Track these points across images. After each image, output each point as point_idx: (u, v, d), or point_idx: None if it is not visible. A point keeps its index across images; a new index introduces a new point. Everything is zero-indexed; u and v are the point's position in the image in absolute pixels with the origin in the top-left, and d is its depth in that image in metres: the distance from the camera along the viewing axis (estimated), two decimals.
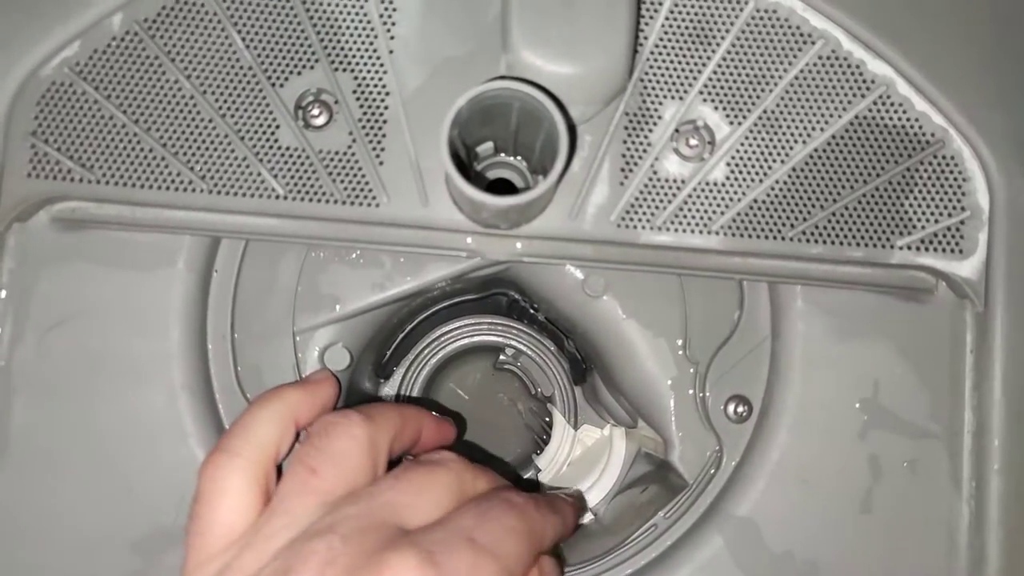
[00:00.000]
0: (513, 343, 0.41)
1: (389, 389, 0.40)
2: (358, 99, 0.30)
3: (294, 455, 0.25)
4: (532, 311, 0.41)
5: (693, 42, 0.31)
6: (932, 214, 0.30)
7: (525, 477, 0.41)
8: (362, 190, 0.30)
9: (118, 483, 0.30)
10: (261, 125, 0.30)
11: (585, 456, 0.41)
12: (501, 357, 0.42)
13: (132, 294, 0.31)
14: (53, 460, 0.30)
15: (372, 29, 0.31)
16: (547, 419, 0.42)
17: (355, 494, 0.23)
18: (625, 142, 0.30)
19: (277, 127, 0.30)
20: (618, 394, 0.36)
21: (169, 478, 0.30)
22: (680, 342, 0.33)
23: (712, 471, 0.32)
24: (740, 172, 0.30)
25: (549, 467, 0.41)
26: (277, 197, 0.30)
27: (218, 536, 0.23)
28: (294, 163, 0.30)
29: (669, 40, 0.31)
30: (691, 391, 0.32)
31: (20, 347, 0.30)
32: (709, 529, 0.31)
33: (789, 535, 0.30)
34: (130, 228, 0.30)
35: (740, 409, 0.32)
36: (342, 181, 0.30)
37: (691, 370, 0.33)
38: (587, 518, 0.38)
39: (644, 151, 0.30)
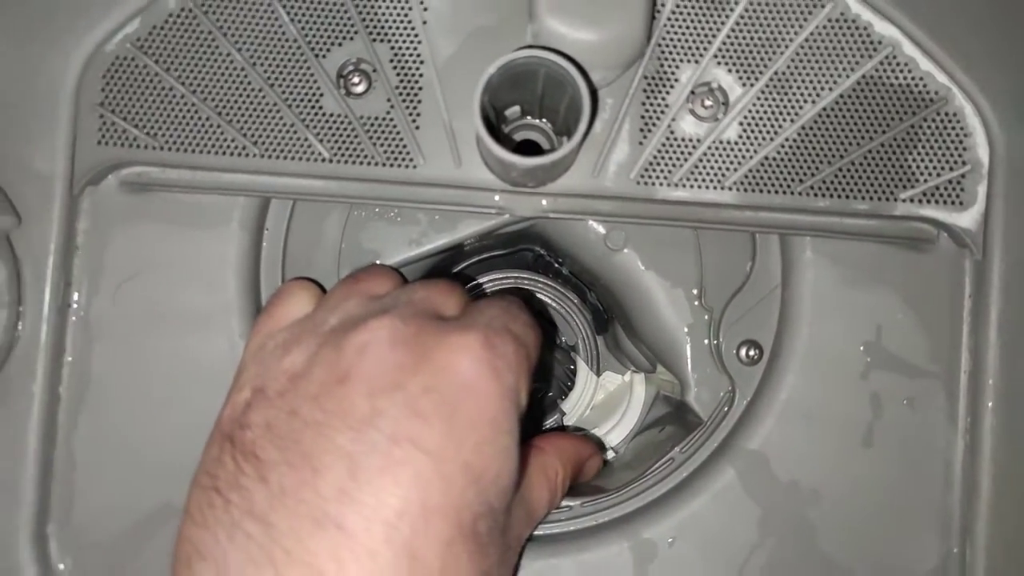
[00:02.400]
0: (539, 295, 0.45)
1: None
2: (395, 68, 0.33)
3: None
4: (557, 265, 0.44)
5: (708, 7, 0.33)
6: (934, 168, 0.32)
7: (550, 421, 0.44)
8: (400, 153, 0.33)
9: (187, 419, 0.34)
10: (306, 93, 0.33)
11: (607, 400, 0.44)
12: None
13: (193, 250, 0.34)
14: (129, 400, 0.34)
15: (406, 1, 0.33)
16: (571, 367, 0.45)
17: (393, 292, 0.28)
18: (644, 104, 0.33)
19: (321, 95, 0.33)
20: (638, 341, 0.39)
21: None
22: (696, 291, 0.36)
23: (725, 409, 0.35)
24: (752, 131, 0.33)
25: (573, 411, 0.44)
26: (322, 160, 0.33)
27: (279, 319, 0.28)
28: (337, 128, 0.33)
29: (685, 6, 0.33)
30: (706, 337, 0.36)
31: (96, 300, 0.34)
32: (722, 462, 0.34)
33: (795, 466, 0.33)
34: (190, 190, 0.34)
35: (752, 352, 0.35)
36: (381, 144, 0.33)
37: (706, 317, 0.36)
38: (609, 455, 0.41)
39: (662, 112, 0.33)
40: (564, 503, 0.35)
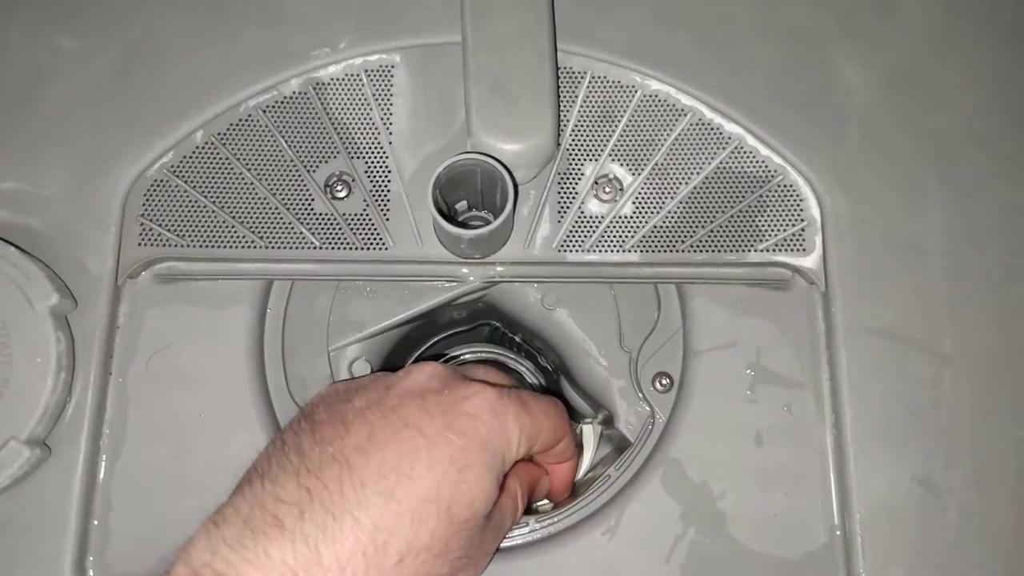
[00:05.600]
0: (502, 362, 0.58)
1: None
2: (369, 178, 0.49)
3: None
4: (511, 336, 0.57)
5: (601, 120, 0.49)
6: (780, 225, 0.48)
7: None
8: (374, 239, 0.48)
9: (206, 466, 0.46)
10: (300, 198, 0.48)
11: None
12: None
13: (210, 327, 0.48)
14: (158, 451, 0.46)
15: (376, 129, 0.49)
16: None
17: None
18: (559, 192, 0.49)
19: (312, 200, 0.48)
20: (579, 389, 0.52)
21: (240, 463, 0.46)
22: (617, 338, 0.50)
23: (649, 428, 0.47)
24: (642, 207, 0.48)
25: None
26: (313, 248, 0.48)
27: None
28: (325, 224, 0.48)
29: (585, 120, 0.49)
30: (628, 372, 0.49)
31: (132, 367, 0.47)
32: (648, 472, 0.46)
33: (705, 468, 0.46)
34: (209, 278, 0.48)
35: (664, 382, 0.48)
36: (360, 234, 0.48)
37: (626, 358, 0.49)
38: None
39: (573, 197, 0.48)
40: (522, 519, 0.47)
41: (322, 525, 0.32)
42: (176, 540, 0.44)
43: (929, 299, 0.47)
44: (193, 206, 0.48)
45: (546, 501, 0.52)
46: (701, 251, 0.48)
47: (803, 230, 0.48)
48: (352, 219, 0.48)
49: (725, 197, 0.48)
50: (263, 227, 0.48)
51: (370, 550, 0.32)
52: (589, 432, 0.55)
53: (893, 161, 0.49)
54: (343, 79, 0.50)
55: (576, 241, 0.48)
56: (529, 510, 0.47)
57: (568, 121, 0.49)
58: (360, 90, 0.50)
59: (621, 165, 0.49)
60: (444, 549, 0.35)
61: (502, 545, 0.45)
